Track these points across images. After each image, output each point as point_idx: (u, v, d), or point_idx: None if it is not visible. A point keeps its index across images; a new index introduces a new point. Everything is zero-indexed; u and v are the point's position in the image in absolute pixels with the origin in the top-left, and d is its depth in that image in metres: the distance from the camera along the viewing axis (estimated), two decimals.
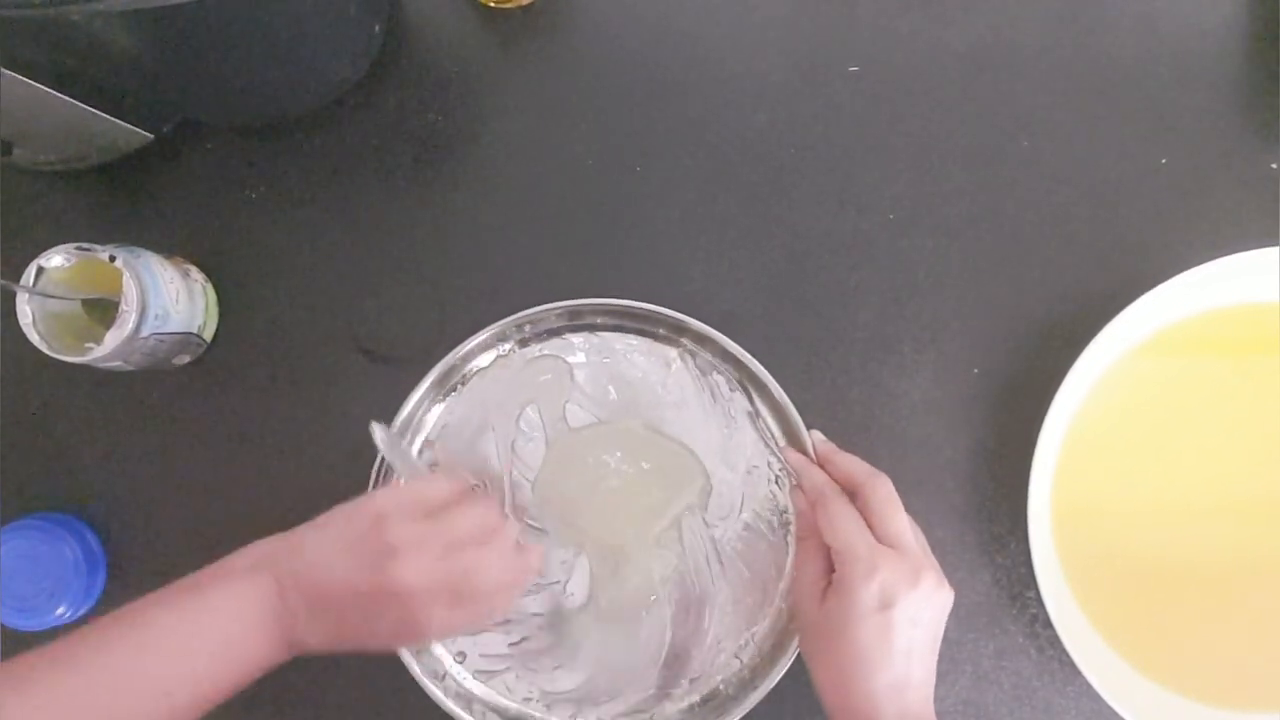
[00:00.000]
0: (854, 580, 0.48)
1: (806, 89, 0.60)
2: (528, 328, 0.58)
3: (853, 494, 0.52)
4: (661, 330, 0.58)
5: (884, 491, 0.51)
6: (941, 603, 0.49)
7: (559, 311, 0.57)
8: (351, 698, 0.58)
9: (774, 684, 0.55)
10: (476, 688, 0.57)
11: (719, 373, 0.58)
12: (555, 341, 0.58)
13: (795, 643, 0.55)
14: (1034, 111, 0.59)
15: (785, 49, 0.60)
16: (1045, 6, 0.60)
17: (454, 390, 0.58)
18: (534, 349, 0.58)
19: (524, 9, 0.60)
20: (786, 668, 0.55)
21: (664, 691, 0.56)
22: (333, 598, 0.45)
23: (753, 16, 0.60)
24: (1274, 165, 0.59)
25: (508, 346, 0.58)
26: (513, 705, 0.57)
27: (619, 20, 0.60)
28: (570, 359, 0.58)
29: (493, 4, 0.60)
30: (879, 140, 0.60)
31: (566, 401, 0.58)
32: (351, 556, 0.46)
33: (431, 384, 0.57)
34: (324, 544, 0.46)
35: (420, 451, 0.58)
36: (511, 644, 0.57)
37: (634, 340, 0.58)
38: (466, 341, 0.57)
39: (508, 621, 0.57)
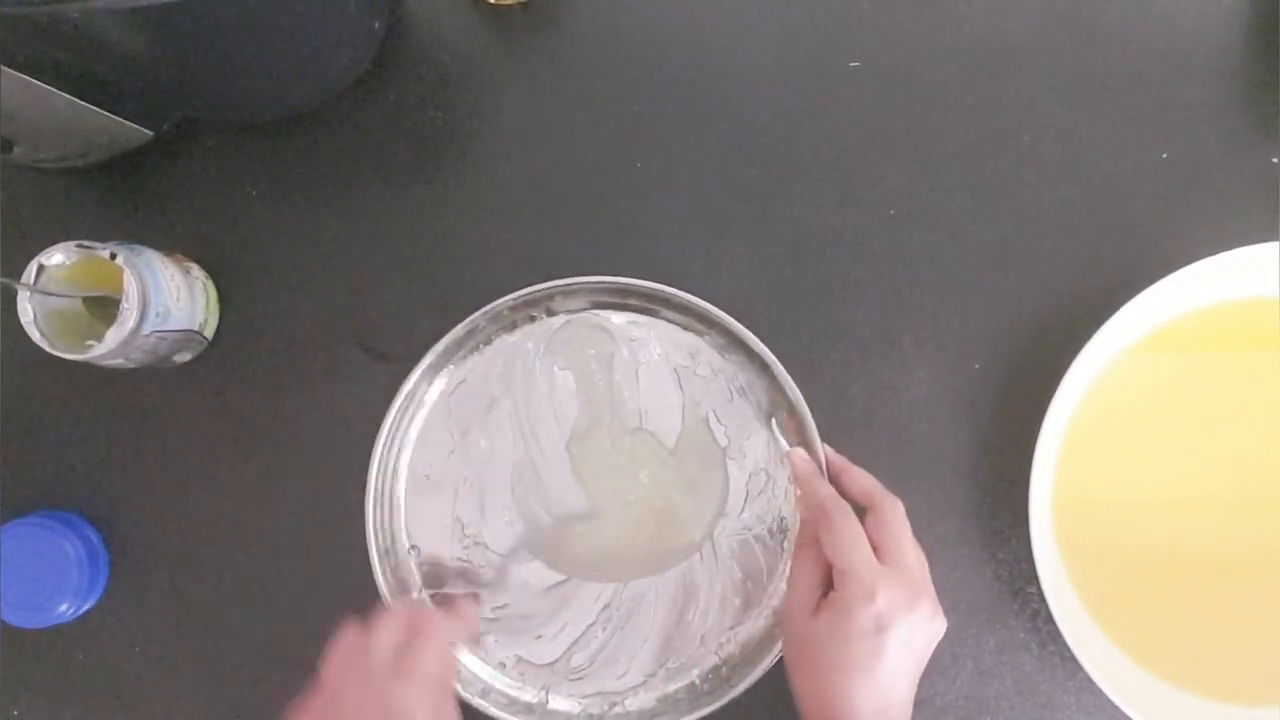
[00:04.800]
0: (853, 601, 0.47)
1: (807, 84, 0.60)
2: (557, 299, 0.57)
3: (862, 512, 0.52)
4: (692, 320, 0.58)
5: (897, 513, 0.51)
6: (934, 631, 0.49)
7: (592, 286, 0.57)
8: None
9: (749, 685, 0.55)
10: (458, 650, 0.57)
11: (739, 369, 0.58)
12: (585, 315, 0.58)
13: (776, 648, 0.55)
14: (1034, 107, 0.59)
15: (785, 44, 0.60)
16: (1046, 1, 0.60)
17: (475, 350, 0.58)
18: (562, 318, 0.58)
19: (524, 6, 0.60)
20: (764, 671, 0.55)
21: (639, 676, 0.57)
22: None
23: (752, 11, 0.60)
24: (1275, 159, 0.59)
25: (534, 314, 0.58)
26: (486, 669, 0.57)
27: (618, 17, 0.60)
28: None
29: (492, 1, 0.60)
30: (879, 135, 0.59)
31: (602, 375, 0.58)
32: None
33: (447, 347, 0.57)
34: None
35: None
36: (495, 608, 0.57)
37: (663, 326, 0.58)
38: (490, 305, 0.56)
39: (490, 584, 0.57)
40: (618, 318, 0.58)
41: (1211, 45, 0.60)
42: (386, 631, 0.49)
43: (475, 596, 0.57)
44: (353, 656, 0.49)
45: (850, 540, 0.49)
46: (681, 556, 0.57)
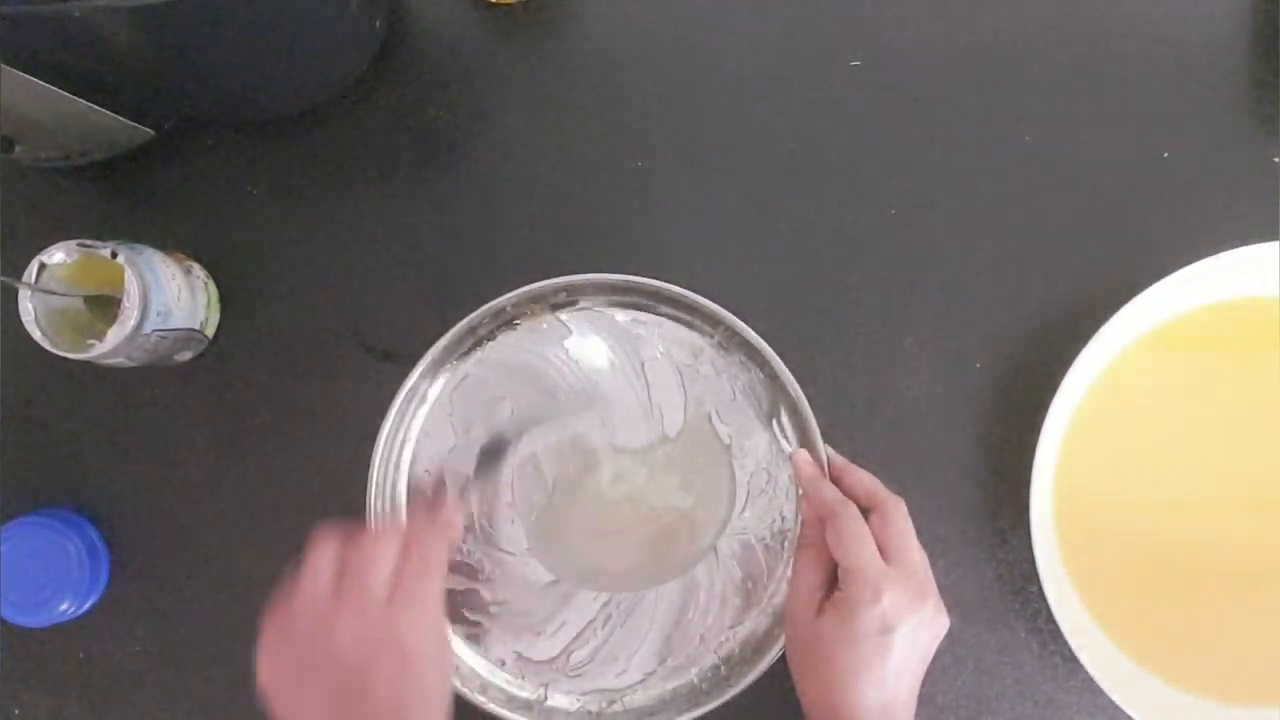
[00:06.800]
0: (859, 601, 0.48)
1: (808, 83, 0.60)
2: (560, 296, 0.57)
3: (866, 512, 0.52)
4: (695, 319, 0.57)
5: (901, 512, 0.51)
6: (938, 630, 0.49)
7: (595, 283, 0.57)
8: None
9: (748, 684, 0.55)
10: (455, 644, 0.57)
11: (743, 369, 0.57)
12: (586, 313, 0.58)
13: (776, 648, 0.55)
14: (1036, 106, 0.59)
15: (786, 43, 0.60)
16: (1046, 1, 0.60)
17: (478, 346, 0.58)
18: (565, 315, 0.58)
19: (525, 4, 0.60)
20: (763, 670, 0.55)
21: (638, 674, 0.57)
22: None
23: (754, 9, 0.60)
24: (1276, 159, 0.59)
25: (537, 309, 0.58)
26: (485, 666, 0.57)
27: (619, 15, 0.60)
28: (600, 336, 0.58)
29: (493, 0, 0.60)
30: (880, 135, 0.60)
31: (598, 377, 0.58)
32: (308, 681, 0.44)
33: (449, 345, 0.57)
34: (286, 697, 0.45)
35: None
36: (495, 603, 0.57)
37: (666, 325, 0.58)
38: (493, 302, 0.56)
39: (491, 579, 0.57)
40: (621, 315, 0.58)
41: (1211, 45, 0.60)
42: (378, 554, 0.46)
43: (458, 500, 0.54)
44: (345, 581, 0.45)
45: (857, 540, 0.49)
46: (693, 561, 0.57)
